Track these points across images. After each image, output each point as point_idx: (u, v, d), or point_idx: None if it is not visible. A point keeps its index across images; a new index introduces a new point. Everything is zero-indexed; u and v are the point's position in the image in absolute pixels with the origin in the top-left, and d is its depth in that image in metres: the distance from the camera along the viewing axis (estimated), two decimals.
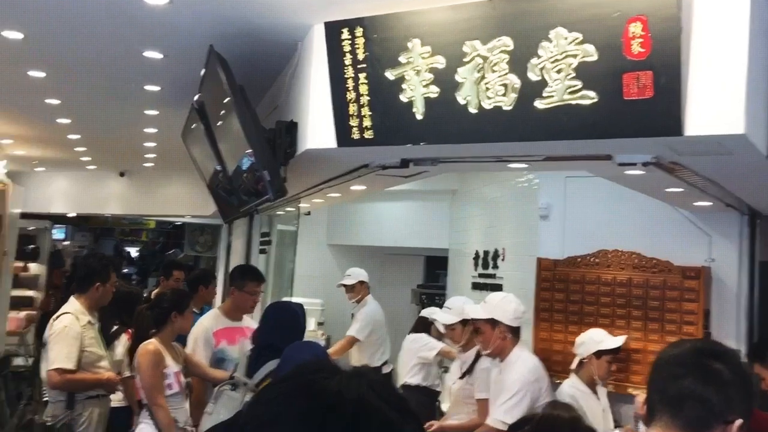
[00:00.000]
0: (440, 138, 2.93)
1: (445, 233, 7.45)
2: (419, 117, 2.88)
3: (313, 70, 3.26)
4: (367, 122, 3.03)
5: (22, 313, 9.18)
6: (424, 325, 5.63)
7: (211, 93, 3.85)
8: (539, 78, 2.60)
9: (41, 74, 4.70)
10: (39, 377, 4.85)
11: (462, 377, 4.39)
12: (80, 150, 8.35)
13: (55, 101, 5.62)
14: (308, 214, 7.81)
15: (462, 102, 2.78)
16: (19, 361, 8.13)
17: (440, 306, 5.95)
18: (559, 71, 2.55)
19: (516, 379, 3.80)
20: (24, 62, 4.47)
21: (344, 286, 6.36)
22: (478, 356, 4.29)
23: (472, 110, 2.76)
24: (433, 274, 8.30)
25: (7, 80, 5.01)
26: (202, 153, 5.02)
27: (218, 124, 4.01)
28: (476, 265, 6.52)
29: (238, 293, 4.41)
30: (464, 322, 4.51)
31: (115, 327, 4.69)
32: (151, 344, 3.89)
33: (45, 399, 4.30)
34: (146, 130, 6.78)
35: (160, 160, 8.74)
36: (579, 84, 2.52)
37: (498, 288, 5.99)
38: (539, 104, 2.62)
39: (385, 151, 3.26)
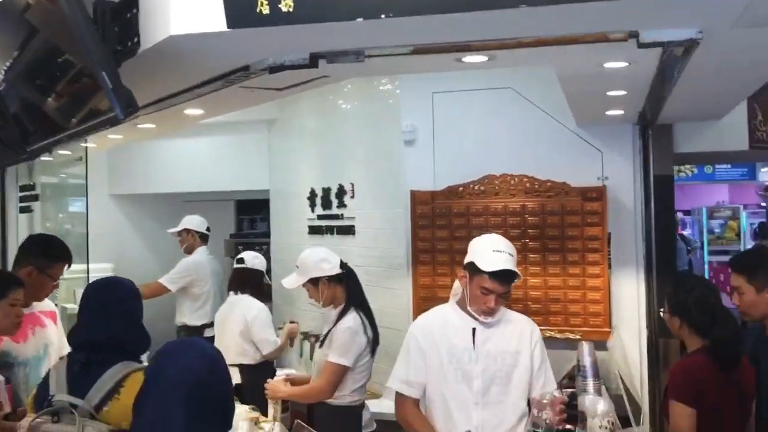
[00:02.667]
0: (402, 9, 1.91)
1: (263, 172, 6.32)
2: None
3: None
4: None
5: None
6: (248, 280, 4.51)
7: None
8: None
9: None
10: None
11: (321, 344, 3.49)
12: None
13: None
14: (80, 159, 6.14)
15: None
16: None
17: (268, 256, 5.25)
18: None
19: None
20: None
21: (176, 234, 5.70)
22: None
23: None
24: (247, 221, 7.14)
25: None
26: None
27: None
28: (313, 205, 5.55)
29: (38, 275, 2.99)
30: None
31: None
32: None
33: None
34: None
35: None
36: None
37: (348, 231, 5.11)
38: None
39: (297, 36, 2.14)
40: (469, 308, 2.73)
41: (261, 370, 4.14)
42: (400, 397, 2.81)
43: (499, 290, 2.65)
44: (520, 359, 2.73)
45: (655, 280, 4.07)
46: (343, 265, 3.47)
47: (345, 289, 3.45)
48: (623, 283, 4.12)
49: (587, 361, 3.10)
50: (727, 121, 4.09)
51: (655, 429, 3.98)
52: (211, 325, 5.08)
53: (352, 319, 3.35)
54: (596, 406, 2.54)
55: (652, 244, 4.09)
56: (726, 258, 8.20)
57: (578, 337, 3.97)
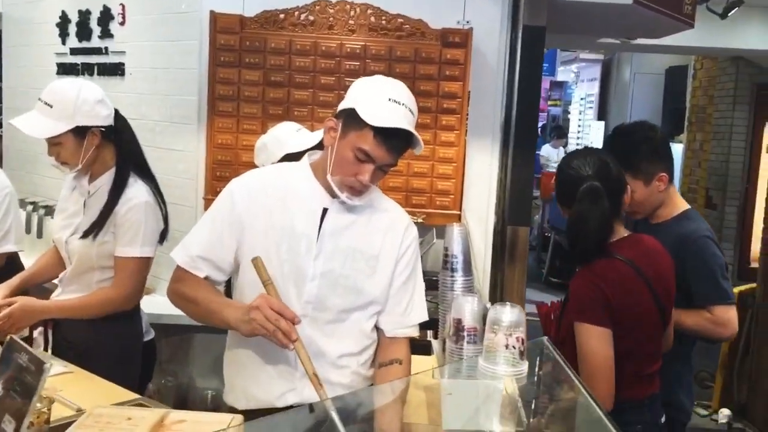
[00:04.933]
0: None
1: None
2: None
3: None
4: None
5: None
6: None
7: None
8: None
9: None
10: None
11: (91, 232, 2.34)
12: None
13: None
14: None
15: None
16: None
17: None
18: None
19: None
20: None
21: None
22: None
23: None
24: None
25: None
26: None
27: None
28: (64, 35, 4.01)
29: None
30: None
31: None
32: None
33: None
34: None
35: None
36: None
37: (115, 70, 3.71)
38: None
39: None
40: (328, 177, 1.75)
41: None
42: (181, 273, 1.82)
43: (384, 159, 1.71)
44: (380, 267, 1.83)
45: (510, 156, 3.34)
46: (116, 114, 2.38)
47: (115, 150, 2.36)
48: (475, 157, 3.33)
49: (457, 248, 2.25)
50: None
51: None
52: None
53: (144, 191, 2.34)
54: (500, 315, 1.70)
55: (512, 111, 3.32)
56: None
57: (420, 220, 3.14)
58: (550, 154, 10.40)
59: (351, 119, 1.70)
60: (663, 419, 2.10)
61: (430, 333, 2.67)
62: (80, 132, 2.27)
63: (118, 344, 2.37)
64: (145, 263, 2.36)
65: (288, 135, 2.49)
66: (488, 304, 1.95)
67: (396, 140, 1.70)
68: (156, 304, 2.83)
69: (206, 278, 1.81)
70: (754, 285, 4.46)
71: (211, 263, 1.80)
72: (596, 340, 1.89)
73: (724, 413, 4.46)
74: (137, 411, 1.33)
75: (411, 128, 1.71)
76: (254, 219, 1.78)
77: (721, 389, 4.57)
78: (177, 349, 3.27)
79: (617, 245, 1.99)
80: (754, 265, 4.96)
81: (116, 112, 2.39)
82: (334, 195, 1.77)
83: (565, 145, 10.62)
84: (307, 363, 1.62)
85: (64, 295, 2.43)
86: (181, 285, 1.81)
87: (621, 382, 1.90)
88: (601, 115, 12.39)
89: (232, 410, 1.89)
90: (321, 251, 1.77)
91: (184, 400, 3.23)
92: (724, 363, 4.56)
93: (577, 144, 12.27)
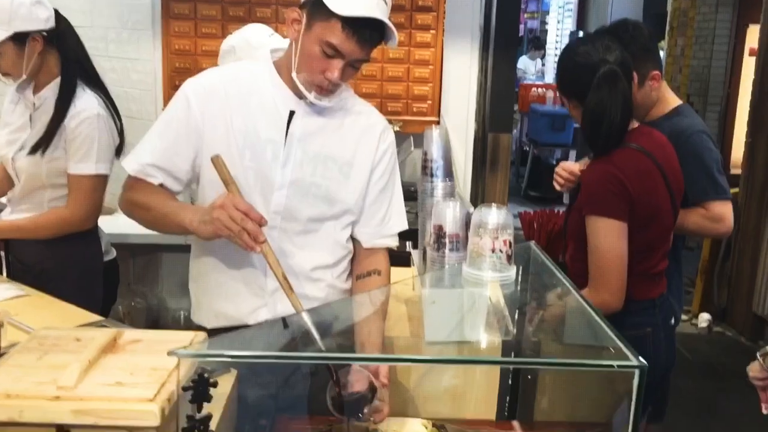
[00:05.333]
0: None
1: None
2: None
3: None
4: None
5: None
6: None
7: None
8: None
9: None
10: None
11: (40, 148, 2.17)
12: None
13: None
14: None
15: None
16: None
17: None
18: None
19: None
20: None
21: None
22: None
23: None
24: None
25: None
26: None
27: None
28: None
29: None
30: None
31: None
32: None
33: None
34: None
35: None
36: None
37: None
38: None
39: None
40: (293, 75, 1.57)
41: None
42: (132, 182, 1.65)
43: (354, 54, 1.53)
44: (354, 175, 1.68)
45: (491, 58, 3.15)
46: (57, 16, 2.16)
47: (59, 57, 2.16)
48: (453, 60, 3.13)
49: (437, 152, 2.09)
50: None
51: None
52: None
53: (95, 102, 2.16)
54: (486, 217, 1.56)
55: (492, 9, 3.10)
56: None
57: (397, 129, 2.97)
58: (527, 66, 10.14)
59: (317, 9, 1.50)
60: (673, 321, 2.02)
61: (409, 244, 2.55)
62: (20, 39, 2.08)
63: (77, 265, 2.24)
64: (101, 181, 2.20)
65: (260, 39, 2.25)
66: (471, 209, 1.82)
67: (367, 32, 1.51)
68: (120, 224, 2.64)
69: (161, 186, 1.65)
70: (735, 190, 4.40)
71: (166, 172, 1.63)
72: (612, 235, 1.77)
73: (704, 317, 4.48)
74: (87, 331, 1.20)
75: (384, 18, 1.52)
76: (213, 124, 1.61)
77: (701, 294, 4.57)
78: (145, 270, 3.13)
79: (631, 135, 1.85)
80: (735, 171, 4.89)
81: (57, 13, 2.17)
82: (301, 96, 1.60)
83: (543, 56, 10.36)
84: (275, 266, 1.49)
85: (15, 215, 2.26)
86: (133, 193, 1.65)
87: (632, 281, 1.80)
88: (580, 23, 12.07)
89: (200, 329, 1.77)
90: (289, 158, 1.61)
91: (155, 322, 3.12)
92: (705, 268, 4.55)
93: (555, 55, 11.99)
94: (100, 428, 1.00)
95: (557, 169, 2.06)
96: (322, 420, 1.50)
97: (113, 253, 2.45)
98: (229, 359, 1.14)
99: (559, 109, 7.83)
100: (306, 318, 1.44)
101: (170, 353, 1.02)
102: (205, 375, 1.04)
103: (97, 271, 2.30)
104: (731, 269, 4.47)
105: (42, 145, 2.13)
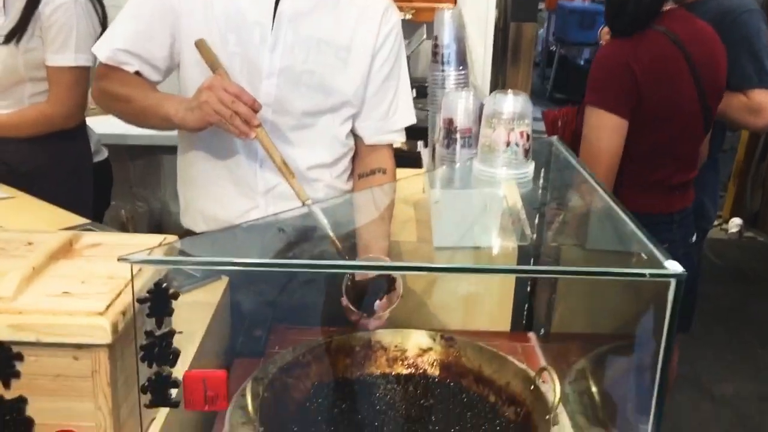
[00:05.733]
0: None
1: None
2: None
3: None
4: None
5: None
6: None
7: None
8: None
9: None
10: None
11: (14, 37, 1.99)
12: None
13: None
14: None
15: None
16: None
17: None
18: None
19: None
20: None
21: None
22: None
23: None
24: None
25: None
26: None
27: None
28: None
29: None
30: None
31: None
32: None
33: None
34: None
35: None
36: None
37: None
38: None
39: None
40: None
41: None
42: (105, 70, 1.47)
43: None
44: (352, 61, 1.47)
45: None
46: None
47: None
48: None
49: (449, 36, 1.85)
50: None
51: None
52: None
53: None
54: (500, 105, 1.35)
55: None
56: None
57: (409, 17, 2.72)
58: None
59: None
60: (694, 238, 1.82)
61: (420, 144, 2.36)
62: None
63: (63, 165, 2.10)
64: (82, 74, 2.04)
65: None
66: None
67: None
68: (114, 124, 2.49)
69: (137, 74, 1.46)
70: None
71: (141, 58, 1.45)
72: (604, 130, 1.56)
73: (735, 222, 4.28)
74: (42, 235, 1.05)
75: None
76: (191, 4, 1.41)
77: (733, 198, 4.35)
78: (146, 173, 2.99)
79: (663, 18, 1.59)
80: None
81: None
82: None
83: None
84: (273, 151, 1.34)
85: None
86: (108, 83, 1.47)
87: (645, 193, 1.60)
88: None
89: (189, 233, 1.64)
90: (278, 42, 1.41)
91: (158, 226, 3.00)
92: (739, 170, 4.31)
93: None
94: (46, 345, 0.87)
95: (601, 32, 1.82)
96: (324, 331, 1.37)
97: (104, 154, 2.30)
98: (191, 267, 0.98)
99: (588, 5, 7.39)
100: (311, 204, 1.31)
101: (120, 259, 0.86)
102: (164, 285, 0.89)
103: (85, 171, 2.17)
104: (767, 171, 4.23)
105: (17, 33, 1.97)
